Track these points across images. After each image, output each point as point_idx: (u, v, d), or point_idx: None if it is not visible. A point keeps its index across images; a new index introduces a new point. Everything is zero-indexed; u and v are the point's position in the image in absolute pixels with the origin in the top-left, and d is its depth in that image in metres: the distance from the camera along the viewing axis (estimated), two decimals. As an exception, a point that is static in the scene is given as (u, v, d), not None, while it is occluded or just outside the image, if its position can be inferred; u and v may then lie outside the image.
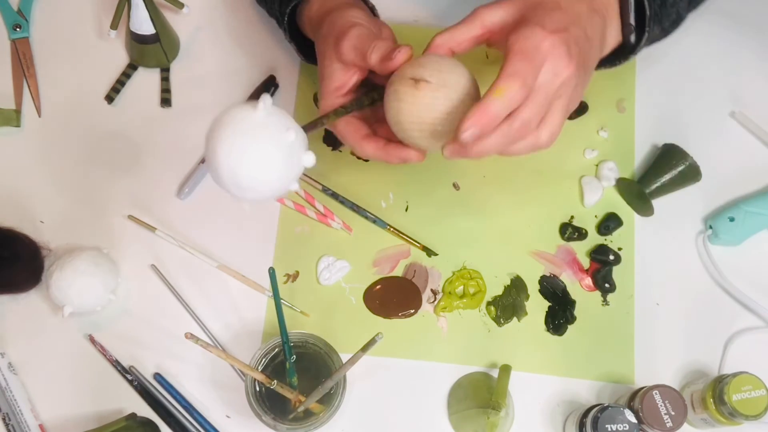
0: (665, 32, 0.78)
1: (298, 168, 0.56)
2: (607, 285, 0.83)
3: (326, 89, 0.69)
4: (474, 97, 0.63)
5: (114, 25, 0.84)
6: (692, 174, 0.83)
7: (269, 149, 0.54)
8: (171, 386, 0.79)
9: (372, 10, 0.76)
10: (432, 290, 0.82)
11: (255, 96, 0.88)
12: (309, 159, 0.56)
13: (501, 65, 0.61)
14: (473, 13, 0.66)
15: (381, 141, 0.68)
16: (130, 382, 0.79)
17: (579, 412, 0.75)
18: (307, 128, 0.61)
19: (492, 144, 0.62)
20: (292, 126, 0.56)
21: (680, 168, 0.83)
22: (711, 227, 0.84)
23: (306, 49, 0.80)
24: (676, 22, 0.79)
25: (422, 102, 0.62)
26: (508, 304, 0.82)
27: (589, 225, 0.85)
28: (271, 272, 0.64)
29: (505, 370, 0.76)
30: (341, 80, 0.68)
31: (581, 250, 0.84)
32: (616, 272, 0.83)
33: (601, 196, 0.85)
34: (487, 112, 0.60)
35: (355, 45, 0.66)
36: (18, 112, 0.87)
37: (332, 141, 0.87)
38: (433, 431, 0.79)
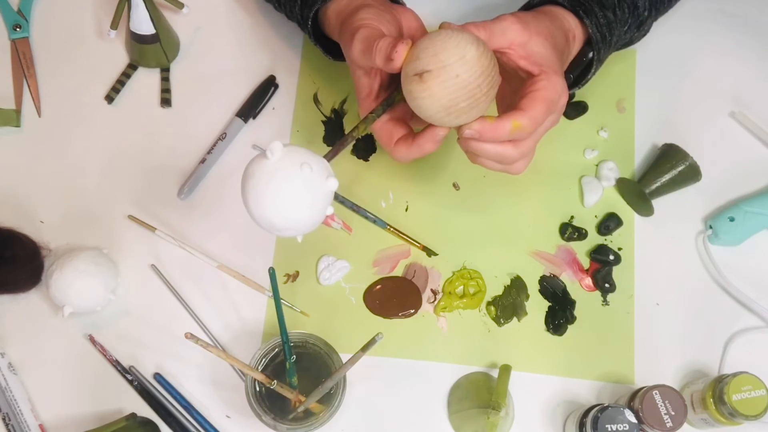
0: (624, 48, 0.83)
1: (324, 195, 0.59)
2: (607, 285, 0.83)
3: (359, 97, 0.70)
4: (479, 54, 0.62)
5: (114, 25, 0.84)
6: (692, 174, 0.83)
7: (288, 190, 0.57)
8: (171, 386, 0.79)
9: None
10: (432, 290, 0.83)
11: (255, 96, 0.88)
12: (332, 184, 0.59)
13: (522, 94, 0.66)
14: (500, 24, 0.67)
15: (408, 140, 0.69)
16: (130, 382, 0.79)
17: (579, 412, 0.75)
18: (338, 147, 0.64)
19: (489, 152, 0.67)
20: (306, 160, 0.58)
21: (680, 168, 0.83)
22: (711, 227, 0.84)
23: (331, 47, 0.79)
24: (629, 44, 0.82)
25: (434, 93, 0.62)
26: (508, 304, 0.82)
27: (589, 225, 0.85)
28: (271, 272, 0.64)
29: (505, 370, 0.76)
30: (368, 86, 0.69)
31: (581, 250, 0.84)
32: (616, 272, 0.83)
33: (601, 196, 0.85)
34: (496, 131, 0.64)
35: (362, 49, 0.66)
36: (18, 112, 0.87)
37: (331, 141, 0.87)
38: (433, 431, 0.79)
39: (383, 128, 0.69)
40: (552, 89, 0.66)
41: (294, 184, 0.57)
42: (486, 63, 0.62)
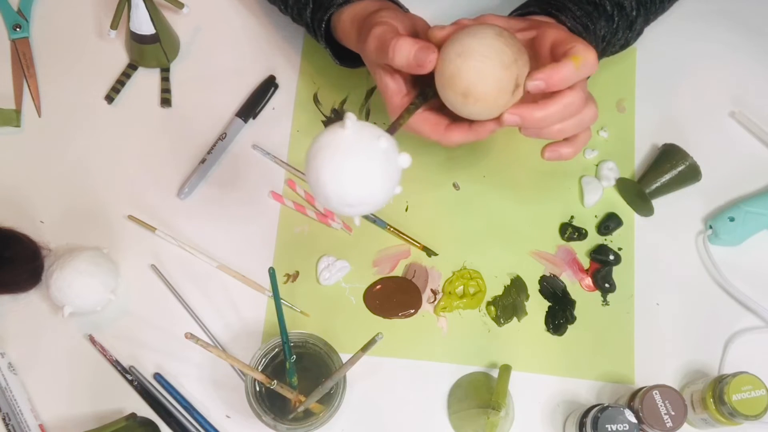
0: (617, 53, 0.82)
1: (397, 172, 0.57)
2: (607, 285, 0.83)
3: (386, 97, 0.69)
4: (499, 33, 0.63)
5: (114, 25, 0.84)
6: (692, 174, 0.83)
7: (367, 162, 0.55)
8: (171, 386, 0.79)
9: (399, 6, 0.75)
10: (432, 290, 0.83)
11: (255, 96, 0.88)
12: (405, 160, 0.57)
13: (554, 49, 0.64)
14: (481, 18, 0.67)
15: (464, 125, 0.67)
16: (130, 382, 0.79)
17: (579, 412, 0.75)
18: (393, 127, 0.62)
19: (552, 113, 0.63)
20: (381, 134, 0.56)
21: (680, 168, 0.83)
22: (711, 227, 0.84)
23: (339, 52, 0.79)
24: (625, 45, 0.81)
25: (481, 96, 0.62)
26: (508, 304, 0.82)
27: (589, 225, 0.85)
28: (271, 272, 0.64)
29: (505, 370, 0.76)
30: (394, 85, 0.68)
31: (581, 250, 0.84)
32: (616, 272, 0.83)
33: (601, 196, 0.85)
34: (559, 72, 0.62)
35: (376, 46, 0.66)
36: (18, 112, 0.87)
37: (332, 141, 0.87)
38: (433, 431, 0.79)
39: (424, 120, 0.68)
40: (567, 33, 0.66)
41: (374, 156, 0.55)
42: (507, 36, 0.63)
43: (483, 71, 0.61)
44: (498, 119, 0.64)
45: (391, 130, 0.63)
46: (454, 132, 0.67)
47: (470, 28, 0.63)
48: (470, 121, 0.67)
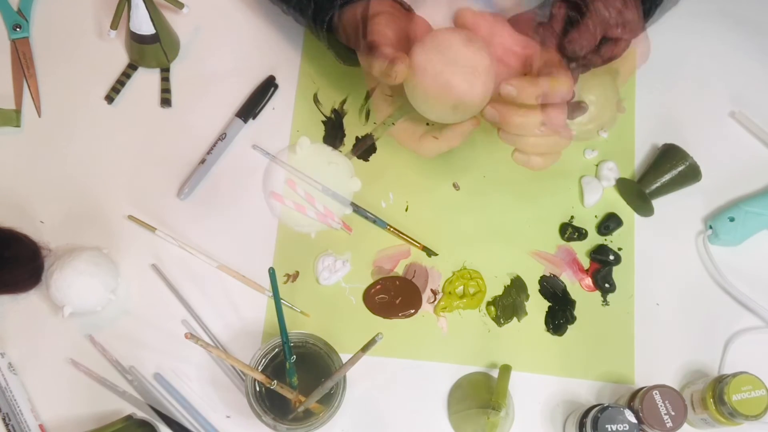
0: None
1: (347, 194, 0.59)
2: (607, 285, 0.83)
3: (375, 100, 0.70)
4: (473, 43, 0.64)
5: (114, 25, 0.84)
6: (692, 174, 0.83)
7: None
8: (171, 386, 0.79)
9: (402, 5, 0.76)
10: (432, 290, 0.83)
11: (255, 96, 0.88)
12: (355, 184, 0.59)
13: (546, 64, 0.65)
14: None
15: (432, 136, 0.69)
16: (130, 382, 0.79)
17: (579, 412, 0.75)
18: (358, 147, 0.64)
19: (530, 122, 0.64)
20: (333, 159, 0.57)
21: (680, 168, 0.83)
22: (711, 227, 0.84)
23: (343, 51, 0.79)
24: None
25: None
26: (508, 304, 0.82)
27: (589, 225, 0.85)
28: (271, 272, 0.64)
29: (505, 370, 0.76)
30: (381, 93, 0.69)
31: (581, 250, 0.84)
32: (616, 272, 0.83)
33: (601, 196, 0.85)
34: (533, 85, 0.63)
35: (365, 56, 0.67)
36: (18, 112, 0.87)
37: (332, 140, 0.87)
38: (433, 431, 0.79)
39: (402, 129, 0.70)
40: (559, 60, 0.66)
41: (321, 181, 0.57)
42: (474, 39, 0.64)
43: (473, 82, 0.63)
44: (476, 119, 0.66)
45: (361, 144, 0.65)
46: (425, 144, 0.69)
47: (437, 39, 0.64)
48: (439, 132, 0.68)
